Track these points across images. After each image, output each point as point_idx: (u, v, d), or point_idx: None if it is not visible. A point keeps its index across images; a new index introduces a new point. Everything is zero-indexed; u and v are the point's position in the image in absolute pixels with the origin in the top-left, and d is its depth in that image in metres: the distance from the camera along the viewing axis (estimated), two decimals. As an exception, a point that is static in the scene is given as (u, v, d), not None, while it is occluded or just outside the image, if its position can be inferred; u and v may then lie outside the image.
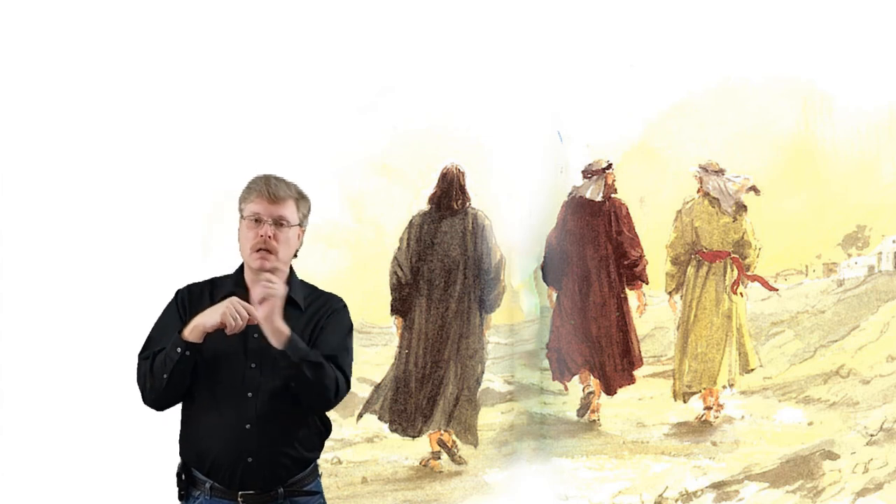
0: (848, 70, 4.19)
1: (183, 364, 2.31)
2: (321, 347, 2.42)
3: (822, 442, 4.26)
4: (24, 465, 3.93)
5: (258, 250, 2.38)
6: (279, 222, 2.39)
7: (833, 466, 4.22)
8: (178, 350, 2.30)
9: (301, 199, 2.46)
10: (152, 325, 2.48)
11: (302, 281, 2.53)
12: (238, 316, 2.27)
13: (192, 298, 2.45)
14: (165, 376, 2.33)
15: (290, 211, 2.41)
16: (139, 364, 2.43)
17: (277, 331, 2.29)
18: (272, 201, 2.39)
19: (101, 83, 4.03)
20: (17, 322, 3.97)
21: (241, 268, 2.49)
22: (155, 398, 2.39)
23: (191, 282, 2.52)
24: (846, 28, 4.14)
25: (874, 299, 4.29)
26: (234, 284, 2.46)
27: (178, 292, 2.49)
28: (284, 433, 2.39)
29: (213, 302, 2.40)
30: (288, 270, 2.48)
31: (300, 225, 2.46)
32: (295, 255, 2.49)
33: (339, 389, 2.41)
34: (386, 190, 4.38)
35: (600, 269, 4.52)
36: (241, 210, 2.44)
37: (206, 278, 2.52)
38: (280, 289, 2.29)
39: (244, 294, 2.40)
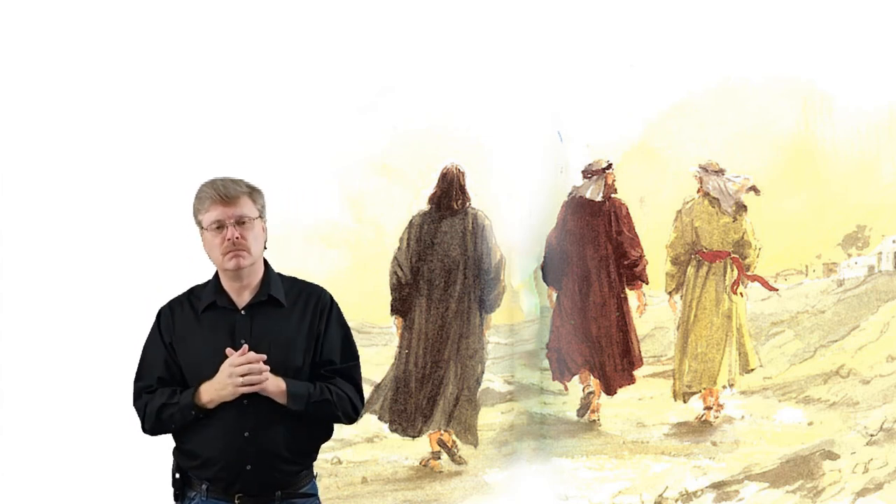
0: (848, 70, 4.18)
1: (192, 421, 2.37)
2: (327, 359, 2.43)
3: (822, 442, 4.26)
4: (24, 464, 3.93)
5: (229, 252, 2.36)
6: (241, 221, 2.37)
7: (833, 466, 4.22)
8: (193, 413, 2.35)
9: (253, 191, 2.42)
10: (143, 342, 2.50)
11: (279, 274, 2.50)
12: (248, 376, 2.31)
13: (174, 316, 2.46)
14: (174, 426, 2.40)
15: (247, 207, 2.38)
16: (138, 395, 2.46)
17: (276, 394, 2.35)
18: (227, 203, 2.36)
19: (101, 84, 4.03)
20: (17, 322, 3.97)
21: (218, 274, 2.47)
22: (158, 433, 2.46)
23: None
24: (846, 28, 4.14)
25: (874, 299, 4.28)
26: (214, 292, 2.44)
27: (160, 312, 2.49)
28: (283, 440, 2.38)
29: (195, 313, 2.44)
30: (262, 266, 2.46)
31: (261, 217, 2.43)
32: (265, 248, 2.47)
33: (354, 406, 2.45)
34: (386, 190, 4.38)
35: (600, 269, 4.52)
36: (199, 223, 2.41)
37: (186, 289, 2.52)
38: (262, 378, 2.32)
39: (225, 299, 2.42)
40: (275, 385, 2.34)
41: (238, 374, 2.29)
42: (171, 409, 2.37)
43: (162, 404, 2.38)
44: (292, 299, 2.46)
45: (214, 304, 2.43)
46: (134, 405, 2.47)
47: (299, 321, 2.44)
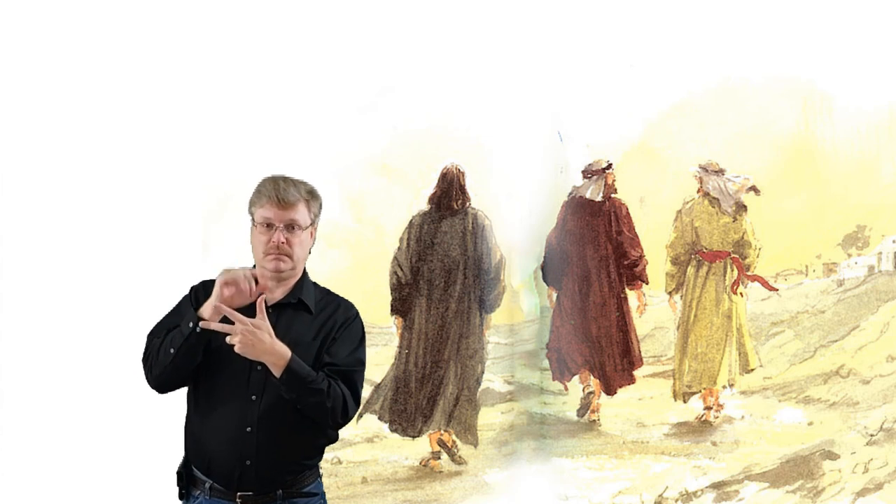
0: (848, 70, 4.19)
1: (192, 341, 2.31)
2: (332, 361, 2.41)
3: (822, 442, 4.26)
4: (25, 465, 3.93)
5: (271, 254, 2.38)
6: (291, 227, 2.38)
7: (833, 466, 4.22)
8: (191, 325, 2.30)
9: (312, 198, 2.44)
10: (157, 320, 2.48)
11: (315, 284, 2.52)
12: (239, 281, 2.29)
13: (206, 292, 2.43)
14: (173, 350, 2.32)
15: (301, 214, 2.40)
16: (148, 342, 2.44)
17: (276, 357, 2.28)
18: (282, 207, 2.37)
19: (101, 83, 4.03)
20: (18, 322, 3.97)
21: (255, 267, 2.47)
22: (158, 375, 2.38)
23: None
24: (846, 28, 4.14)
25: (874, 299, 4.29)
26: None
27: (194, 288, 2.49)
28: (285, 438, 2.38)
29: None
30: (301, 271, 2.47)
31: (313, 224, 2.45)
32: (309, 253, 2.48)
33: (346, 409, 2.40)
34: (386, 190, 4.38)
35: (600, 269, 4.52)
36: (251, 214, 2.43)
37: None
38: (258, 329, 2.26)
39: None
40: (273, 350, 2.27)
41: (226, 276, 2.29)
42: (174, 332, 2.34)
43: (167, 331, 2.37)
44: (320, 308, 2.47)
45: None
46: (143, 363, 2.43)
47: (319, 329, 2.44)
